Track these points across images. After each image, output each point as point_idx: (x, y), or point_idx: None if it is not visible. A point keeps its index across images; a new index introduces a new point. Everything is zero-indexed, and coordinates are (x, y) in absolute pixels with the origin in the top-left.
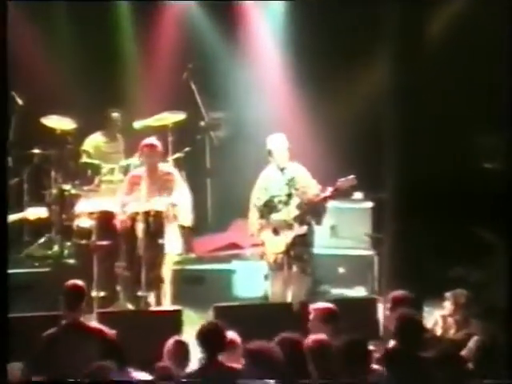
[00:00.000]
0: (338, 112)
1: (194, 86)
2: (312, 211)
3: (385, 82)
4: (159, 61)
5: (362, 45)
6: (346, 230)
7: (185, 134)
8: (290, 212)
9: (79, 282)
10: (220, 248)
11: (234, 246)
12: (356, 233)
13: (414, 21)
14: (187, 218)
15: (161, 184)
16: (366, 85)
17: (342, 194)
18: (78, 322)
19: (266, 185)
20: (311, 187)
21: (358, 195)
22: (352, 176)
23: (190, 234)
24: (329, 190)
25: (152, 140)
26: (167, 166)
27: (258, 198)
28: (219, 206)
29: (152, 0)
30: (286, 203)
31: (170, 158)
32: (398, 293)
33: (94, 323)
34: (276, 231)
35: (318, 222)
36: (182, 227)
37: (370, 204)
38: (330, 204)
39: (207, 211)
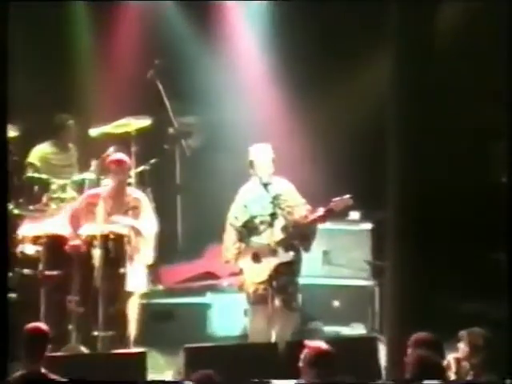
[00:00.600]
0: (331, 119)
1: (161, 86)
2: (299, 235)
3: (382, 85)
4: (121, 60)
5: (353, 45)
6: (342, 256)
7: (150, 142)
8: (273, 235)
9: (42, 326)
10: (193, 278)
11: (210, 275)
12: (353, 259)
13: (410, 19)
14: (148, 254)
15: (125, 209)
16: (361, 88)
17: (336, 215)
18: (39, 373)
19: (246, 202)
20: (299, 207)
21: (354, 215)
22: (348, 196)
23: (156, 261)
24: (320, 211)
25: (121, 156)
26: (137, 191)
27: (235, 217)
28: (192, 228)
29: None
30: (270, 224)
31: (134, 172)
32: (420, 335)
33: (58, 377)
34: (257, 257)
35: (307, 248)
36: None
37: (369, 225)
38: (322, 226)
39: (177, 234)
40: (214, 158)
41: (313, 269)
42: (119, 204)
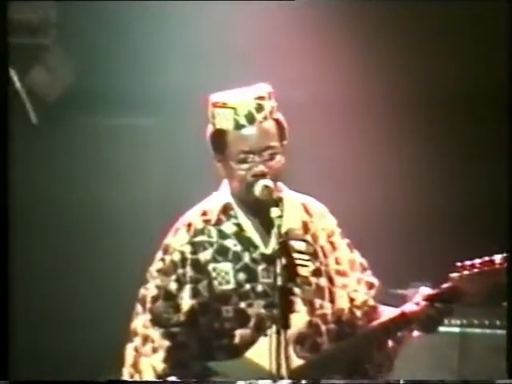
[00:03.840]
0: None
1: None
2: (350, 358)
3: None
4: None
5: None
6: None
7: None
8: (277, 353)
9: None
10: None
11: None
12: None
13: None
14: None
15: None
16: None
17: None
18: None
19: (203, 253)
20: (349, 277)
21: None
22: (499, 257)
23: None
24: (420, 295)
25: None
26: None
27: (169, 293)
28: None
29: None
30: (263, 322)
31: None
32: None
33: None
34: None
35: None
36: None
37: None
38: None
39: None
40: (106, 133)
41: None
42: None
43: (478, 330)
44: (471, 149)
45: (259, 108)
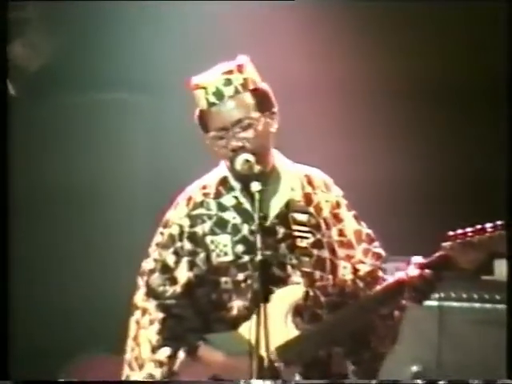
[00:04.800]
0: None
1: None
2: (351, 328)
3: None
4: None
5: None
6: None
7: None
8: (279, 324)
9: None
10: None
11: None
12: None
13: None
14: None
15: None
16: None
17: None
18: None
19: (202, 226)
20: (354, 248)
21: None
22: (496, 224)
23: None
24: (413, 263)
25: None
26: None
27: (165, 267)
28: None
29: None
30: (264, 293)
31: None
32: None
33: None
34: None
35: (376, 367)
36: None
37: None
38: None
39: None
40: (94, 108)
41: None
42: None
43: (455, 304)
44: (469, 123)
45: (227, 82)
